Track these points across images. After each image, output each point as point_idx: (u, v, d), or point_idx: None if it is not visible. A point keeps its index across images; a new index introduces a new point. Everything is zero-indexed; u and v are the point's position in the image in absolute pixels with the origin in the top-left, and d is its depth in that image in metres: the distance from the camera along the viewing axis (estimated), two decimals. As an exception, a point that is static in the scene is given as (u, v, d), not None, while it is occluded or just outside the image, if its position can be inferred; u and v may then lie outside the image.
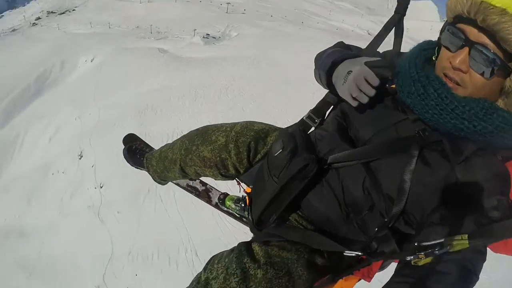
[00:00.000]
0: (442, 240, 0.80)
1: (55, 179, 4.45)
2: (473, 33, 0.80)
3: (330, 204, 1.01)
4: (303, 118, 1.24)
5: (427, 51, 0.98)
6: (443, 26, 0.90)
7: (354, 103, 0.99)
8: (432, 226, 0.88)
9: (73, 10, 22.93)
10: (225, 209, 1.97)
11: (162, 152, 1.51)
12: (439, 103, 0.86)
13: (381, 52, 1.19)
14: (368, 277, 1.21)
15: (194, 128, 1.39)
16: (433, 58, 0.95)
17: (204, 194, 2.03)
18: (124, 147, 1.87)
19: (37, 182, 4.52)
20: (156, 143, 3.03)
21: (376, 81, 0.96)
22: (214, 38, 9.84)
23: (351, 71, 0.99)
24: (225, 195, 2.03)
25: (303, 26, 10.49)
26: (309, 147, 1.04)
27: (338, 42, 1.27)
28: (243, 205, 1.88)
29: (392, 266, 1.04)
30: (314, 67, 1.23)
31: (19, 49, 11.57)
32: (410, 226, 0.93)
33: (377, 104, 1.01)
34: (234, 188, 1.83)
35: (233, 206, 1.95)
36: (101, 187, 3.76)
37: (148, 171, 1.63)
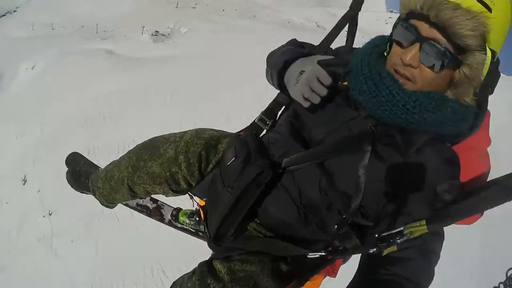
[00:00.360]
0: (402, 228, 0.83)
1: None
2: (425, 29, 0.85)
3: (288, 207, 1.02)
4: (254, 120, 1.28)
5: (380, 47, 1.02)
6: (395, 22, 0.95)
7: (306, 104, 1.01)
8: (390, 216, 0.92)
9: (14, 11, 21.08)
10: (179, 225, 1.95)
11: (108, 171, 1.43)
12: (390, 99, 0.91)
13: (333, 48, 1.24)
14: (333, 273, 1.25)
15: (143, 141, 1.34)
16: (385, 54, 0.99)
17: (156, 212, 1.99)
18: (67, 170, 1.78)
19: (-25, 219, 4.06)
20: (106, 156, 2.78)
21: (328, 81, 0.98)
22: (164, 35, 9.44)
23: (304, 71, 1.01)
24: (178, 210, 2.00)
25: (255, 20, 10.32)
26: (262, 153, 1.04)
27: (291, 40, 1.30)
28: (197, 218, 1.87)
29: (355, 257, 1.05)
30: (266, 66, 1.24)
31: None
32: (367, 218, 0.98)
33: (328, 103, 1.04)
34: (187, 202, 1.74)
35: (188, 221, 1.93)
36: (50, 215, 3.50)
37: (94, 195, 1.55)
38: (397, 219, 0.90)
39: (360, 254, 0.98)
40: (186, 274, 1.11)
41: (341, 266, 1.29)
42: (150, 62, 6.59)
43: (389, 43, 0.97)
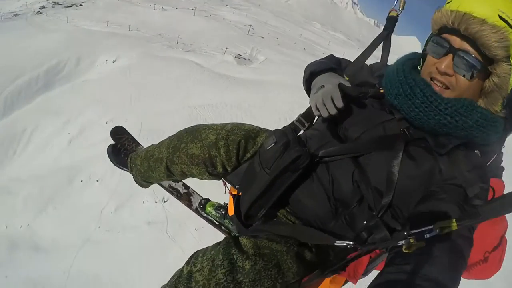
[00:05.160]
0: (431, 226, 0.82)
1: (86, 188, 4.22)
2: (456, 41, 0.97)
3: (320, 198, 1.08)
4: (293, 121, 1.37)
5: (413, 60, 1.15)
6: (428, 37, 1.08)
7: (316, 113, 1.15)
8: (420, 214, 0.94)
9: (80, 5, 22.75)
10: (205, 215, 2.00)
11: (148, 151, 1.53)
12: (424, 101, 1.01)
13: (368, 64, 1.37)
14: (354, 278, 1.24)
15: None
16: (418, 68, 1.12)
17: (185, 197, 2.05)
18: (109, 145, 1.87)
19: (56, 188, 4.22)
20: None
21: (340, 104, 1.09)
22: (245, 59, 10.03)
23: (323, 86, 1.14)
24: (207, 200, 2.07)
25: (315, 56, 10.74)
26: (300, 143, 1.12)
27: (328, 56, 1.44)
28: (223, 212, 1.93)
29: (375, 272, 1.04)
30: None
31: (24, 36, 11.36)
32: (396, 220, 1.01)
33: (364, 107, 1.16)
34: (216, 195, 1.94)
35: (214, 212, 1.98)
36: (164, 202, 3.57)
37: (131, 171, 1.65)
38: (426, 218, 0.89)
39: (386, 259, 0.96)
40: (211, 245, 1.15)
41: (362, 280, 1.26)
42: (247, 83, 6.89)
43: (422, 57, 1.09)
